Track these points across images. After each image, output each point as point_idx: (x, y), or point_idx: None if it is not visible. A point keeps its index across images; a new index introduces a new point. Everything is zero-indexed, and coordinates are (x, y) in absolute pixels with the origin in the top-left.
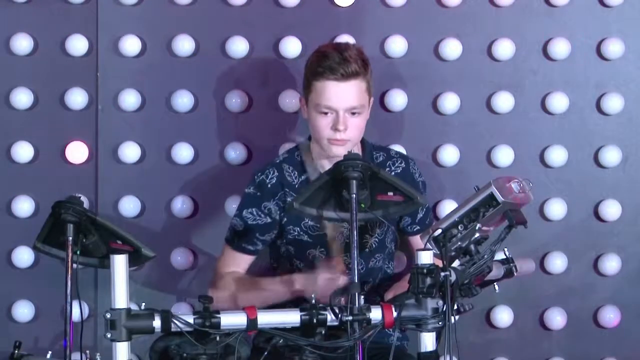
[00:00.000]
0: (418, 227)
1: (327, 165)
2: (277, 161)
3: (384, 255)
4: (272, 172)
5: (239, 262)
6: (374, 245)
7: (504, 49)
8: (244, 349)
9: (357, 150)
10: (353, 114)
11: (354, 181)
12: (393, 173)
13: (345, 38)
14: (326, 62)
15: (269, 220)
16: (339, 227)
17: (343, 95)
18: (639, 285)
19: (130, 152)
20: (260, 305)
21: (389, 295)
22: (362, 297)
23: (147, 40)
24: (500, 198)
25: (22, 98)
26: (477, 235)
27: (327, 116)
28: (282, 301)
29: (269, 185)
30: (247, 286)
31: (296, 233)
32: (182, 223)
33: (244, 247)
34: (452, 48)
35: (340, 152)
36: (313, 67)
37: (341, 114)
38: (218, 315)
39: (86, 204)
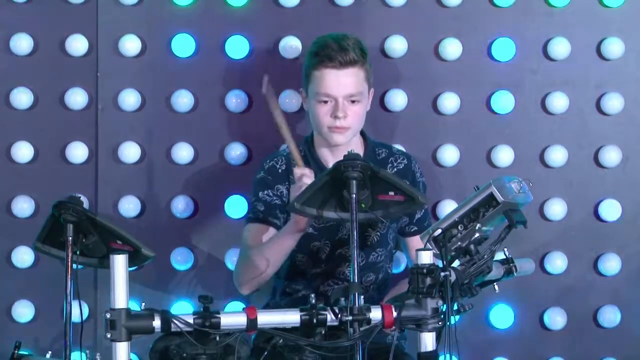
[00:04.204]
0: (415, 228)
1: (329, 156)
2: (284, 153)
3: (385, 252)
4: (280, 161)
5: (267, 236)
6: (375, 239)
7: (504, 49)
8: (244, 349)
9: (360, 145)
10: (352, 101)
11: (354, 181)
12: (395, 169)
13: None
14: (324, 51)
15: (281, 202)
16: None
17: (342, 82)
18: (639, 285)
19: (130, 152)
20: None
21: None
22: (362, 294)
23: (147, 40)
24: (500, 198)
25: (22, 98)
26: (477, 235)
27: (327, 104)
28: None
29: (279, 171)
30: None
31: None
32: (182, 223)
33: (271, 220)
34: (452, 48)
35: (340, 139)
36: (312, 56)
37: (340, 101)
38: (218, 315)
39: (86, 204)
